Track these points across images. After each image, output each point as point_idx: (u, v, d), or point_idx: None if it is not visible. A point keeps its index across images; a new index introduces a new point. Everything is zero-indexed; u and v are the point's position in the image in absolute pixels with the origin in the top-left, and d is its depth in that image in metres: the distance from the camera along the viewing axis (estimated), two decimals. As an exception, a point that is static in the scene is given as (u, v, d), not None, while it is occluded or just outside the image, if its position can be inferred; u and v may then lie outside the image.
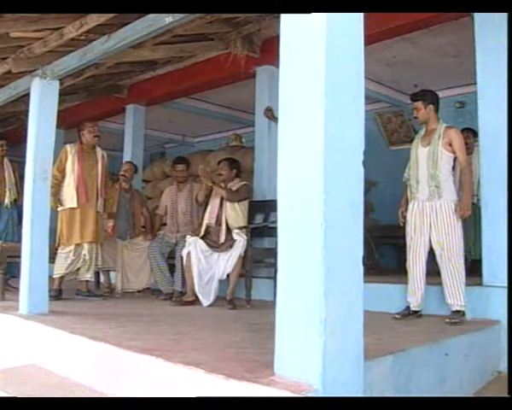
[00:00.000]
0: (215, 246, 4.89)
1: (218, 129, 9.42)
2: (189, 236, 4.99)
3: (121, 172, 6.13)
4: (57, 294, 4.99)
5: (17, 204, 6.26)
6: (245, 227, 4.92)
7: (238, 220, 4.98)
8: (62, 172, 5.16)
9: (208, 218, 5.07)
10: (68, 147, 5.26)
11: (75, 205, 5.09)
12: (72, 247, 5.06)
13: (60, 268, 5.04)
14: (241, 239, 4.74)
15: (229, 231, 4.93)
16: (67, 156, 5.18)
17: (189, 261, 4.82)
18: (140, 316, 4.18)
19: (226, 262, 4.73)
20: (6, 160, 6.34)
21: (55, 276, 5.04)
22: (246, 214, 5.09)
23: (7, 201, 6.18)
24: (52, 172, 4.80)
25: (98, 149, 5.40)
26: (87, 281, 5.25)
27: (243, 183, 5.20)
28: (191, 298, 4.85)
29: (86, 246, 5.10)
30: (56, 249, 5.09)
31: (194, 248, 4.82)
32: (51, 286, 4.72)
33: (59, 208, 5.14)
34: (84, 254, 5.09)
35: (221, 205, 5.03)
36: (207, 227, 5.05)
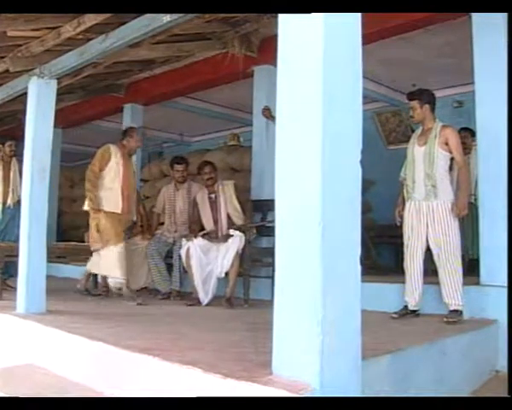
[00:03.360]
0: (213, 237, 5.01)
1: (216, 128, 9.42)
2: (185, 239, 5.03)
3: None
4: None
5: (20, 205, 6.21)
6: (243, 226, 4.94)
7: (240, 217, 5.15)
8: (101, 171, 4.95)
9: (206, 225, 5.22)
10: (112, 148, 5.02)
11: (119, 211, 4.96)
12: (122, 244, 4.95)
13: (117, 266, 4.91)
14: (237, 235, 4.76)
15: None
16: (111, 157, 4.98)
17: (188, 259, 4.84)
18: (138, 315, 4.18)
19: (223, 259, 4.73)
20: (14, 160, 6.27)
21: (113, 277, 4.94)
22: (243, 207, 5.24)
23: (9, 201, 6.14)
24: (92, 170, 4.83)
25: (134, 157, 5.37)
26: (86, 279, 5.26)
27: (230, 182, 5.40)
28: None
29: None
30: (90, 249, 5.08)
31: (192, 244, 4.85)
32: (84, 285, 5.15)
33: (100, 207, 4.92)
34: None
35: (212, 209, 5.21)
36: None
